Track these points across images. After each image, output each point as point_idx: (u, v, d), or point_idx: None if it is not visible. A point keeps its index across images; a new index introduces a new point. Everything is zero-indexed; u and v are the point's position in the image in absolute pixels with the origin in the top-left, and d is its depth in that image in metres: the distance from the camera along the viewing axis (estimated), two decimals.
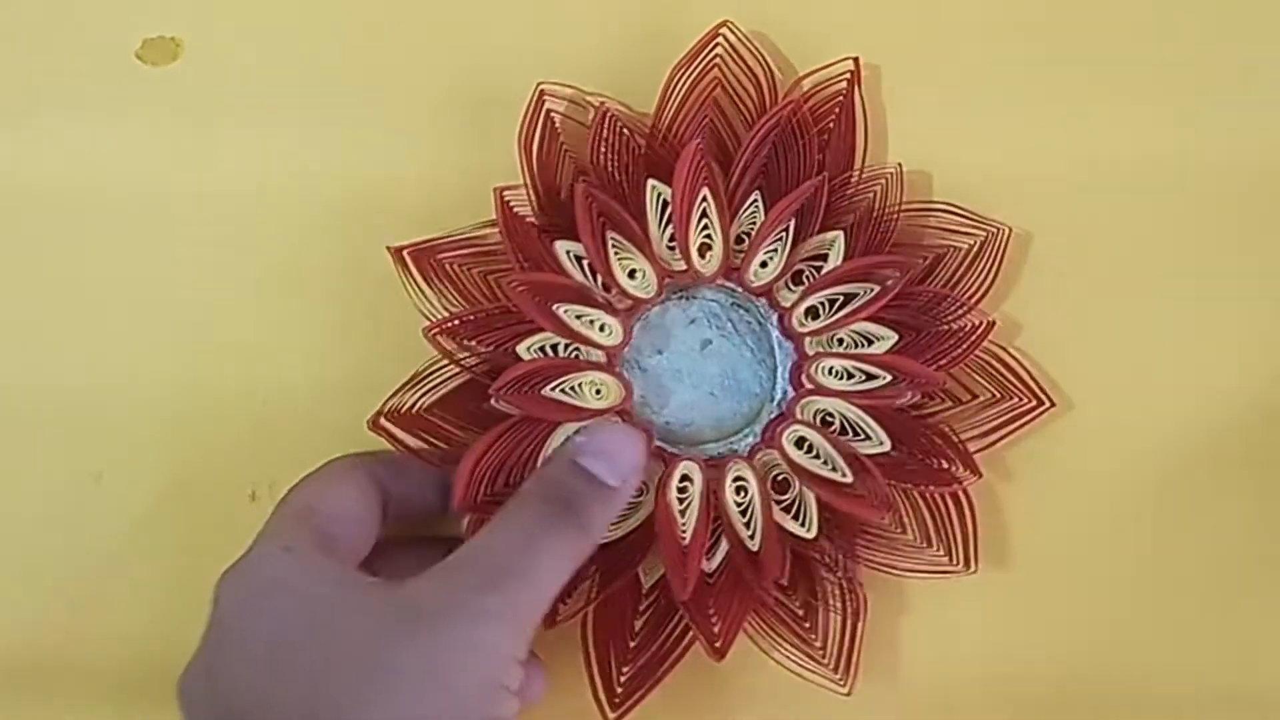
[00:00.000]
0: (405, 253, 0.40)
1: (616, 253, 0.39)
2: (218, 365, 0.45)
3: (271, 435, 0.45)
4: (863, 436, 0.39)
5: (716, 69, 0.41)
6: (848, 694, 0.39)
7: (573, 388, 0.38)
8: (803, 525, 0.38)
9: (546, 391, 0.38)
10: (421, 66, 0.45)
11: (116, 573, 0.45)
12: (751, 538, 0.38)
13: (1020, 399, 0.40)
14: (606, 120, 0.40)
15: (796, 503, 0.38)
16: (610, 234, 0.39)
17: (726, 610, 0.38)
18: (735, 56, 0.41)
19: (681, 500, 0.38)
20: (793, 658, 0.39)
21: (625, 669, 0.38)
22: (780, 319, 0.40)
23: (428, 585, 0.32)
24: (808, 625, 0.39)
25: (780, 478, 0.39)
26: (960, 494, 0.39)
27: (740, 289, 0.40)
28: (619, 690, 0.38)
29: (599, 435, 0.37)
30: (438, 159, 0.45)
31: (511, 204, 0.40)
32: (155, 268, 0.45)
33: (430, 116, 0.45)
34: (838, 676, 0.39)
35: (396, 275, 0.41)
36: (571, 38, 0.44)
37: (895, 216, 0.40)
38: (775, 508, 0.38)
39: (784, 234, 0.39)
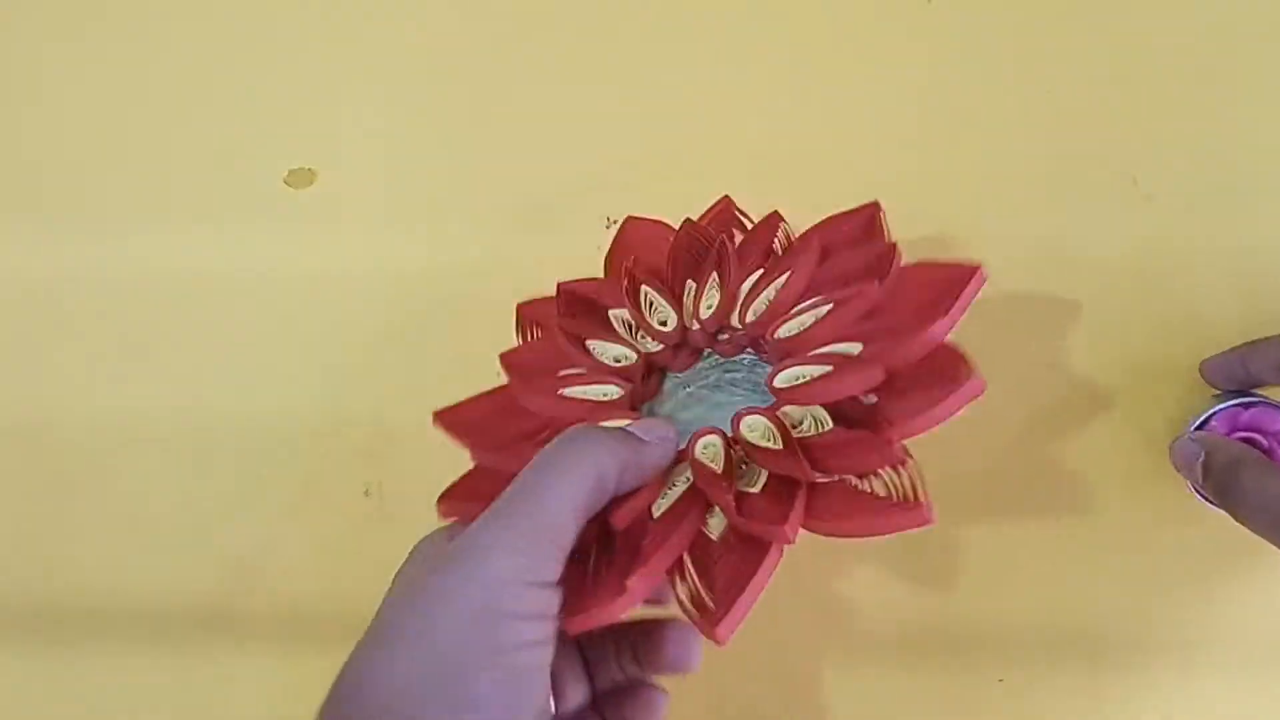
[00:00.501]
0: (519, 307, 0.47)
1: (598, 351, 0.44)
2: (339, 400, 0.52)
3: (380, 448, 0.51)
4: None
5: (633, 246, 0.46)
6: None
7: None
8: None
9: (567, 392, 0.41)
10: (497, 186, 0.53)
11: (267, 552, 0.51)
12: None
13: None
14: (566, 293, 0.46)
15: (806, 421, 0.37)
16: (590, 343, 0.44)
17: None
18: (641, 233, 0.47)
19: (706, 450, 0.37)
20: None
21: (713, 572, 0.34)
22: (767, 355, 0.42)
23: (458, 533, 0.31)
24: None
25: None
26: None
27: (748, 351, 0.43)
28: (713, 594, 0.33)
29: (643, 422, 0.36)
30: (509, 255, 0.52)
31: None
32: (296, 333, 0.52)
33: (501, 224, 0.52)
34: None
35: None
36: (621, 171, 0.52)
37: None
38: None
39: (716, 283, 0.43)
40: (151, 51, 0.57)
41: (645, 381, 0.44)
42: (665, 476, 0.37)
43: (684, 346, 0.44)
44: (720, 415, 0.41)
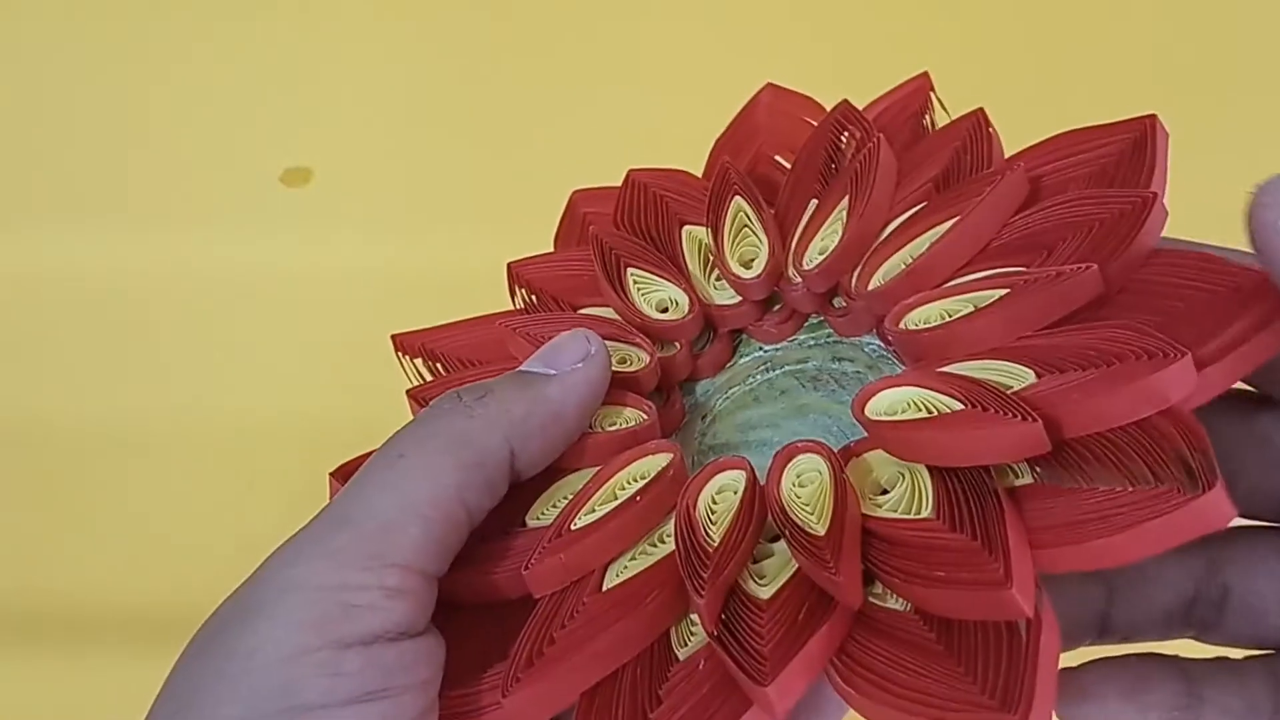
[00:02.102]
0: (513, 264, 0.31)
1: (640, 289, 0.28)
2: (338, 398, 0.50)
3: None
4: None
5: (766, 131, 0.31)
6: None
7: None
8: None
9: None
10: (496, 185, 0.53)
11: (265, 552, 0.50)
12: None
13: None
14: (634, 185, 0.31)
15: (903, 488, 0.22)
16: (632, 271, 0.28)
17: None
18: (782, 113, 0.31)
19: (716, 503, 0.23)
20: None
21: None
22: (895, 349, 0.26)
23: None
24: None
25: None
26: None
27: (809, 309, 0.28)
28: None
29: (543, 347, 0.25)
30: (508, 253, 0.52)
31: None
32: (293, 331, 0.52)
33: (501, 223, 0.49)
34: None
35: None
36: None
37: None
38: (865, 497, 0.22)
39: (844, 214, 0.27)
40: (149, 51, 0.59)
41: (702, 346, 0.29)
42: (647, 525, 0.23)
43: (776, 306, 0.29)
44: (795, 428, 0.27)
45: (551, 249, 0.32)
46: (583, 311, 0.29)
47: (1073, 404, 0.20)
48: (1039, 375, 0.21)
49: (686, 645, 0.21)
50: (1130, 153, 0.24)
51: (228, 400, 0.52)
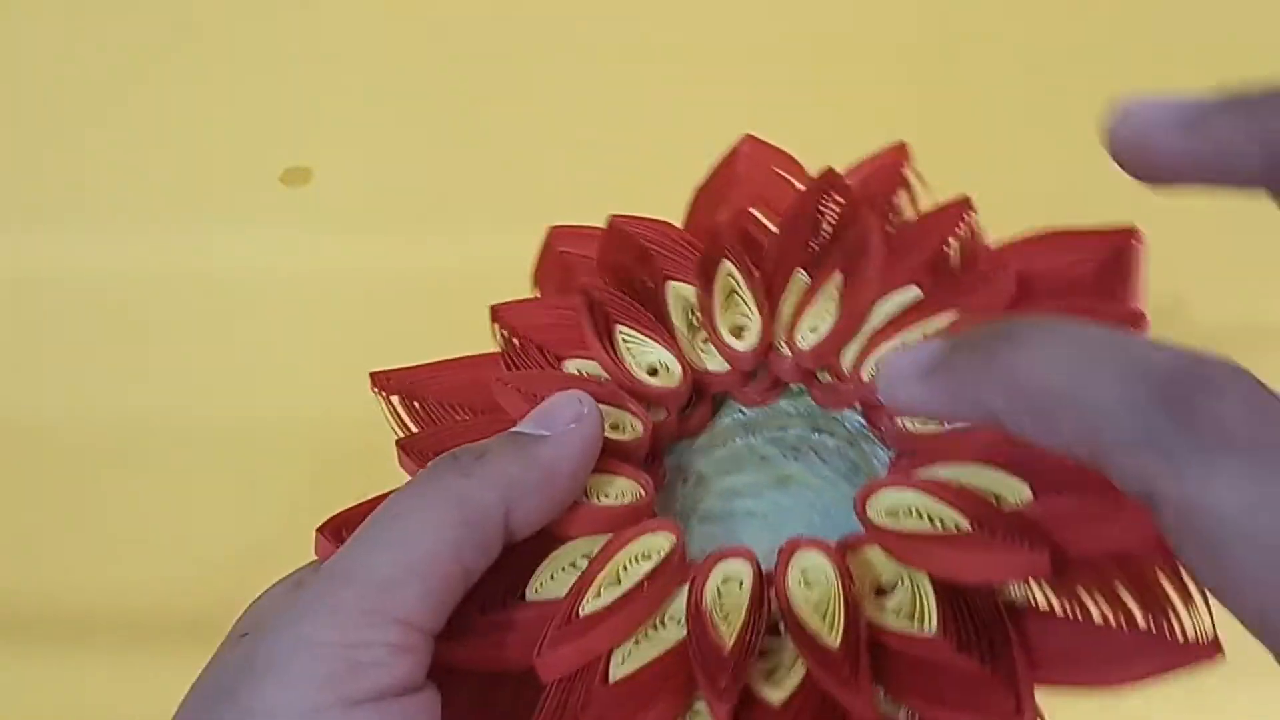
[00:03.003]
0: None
1: (630, 349, 0.28)
2: (338, 399, 0.49)
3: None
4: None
5: (744, 182, 0.31)
6: None
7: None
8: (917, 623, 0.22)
9: None
10: (496, 185, 0.52)
11: (264, 553, 0.50)
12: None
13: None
14: (618, 233, 0.31)
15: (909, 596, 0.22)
16: (620, 328, 0.28)
17: None
18: (760, 165, 0.31)
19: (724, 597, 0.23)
20: None
21: None
22: (880, 433, 0.27)
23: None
24: None
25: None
26: None
27: (799, 385, 0.29)
28: None
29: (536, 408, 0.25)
30: (509, 254, 0.51)
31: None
32: (293, 331, 0.52)
33: (501, 223, 0.51)
34: None
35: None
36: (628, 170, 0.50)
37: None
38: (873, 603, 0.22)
39: (836, 292, 0.27)
40: (148, 50, 0.59)
41: (685, 411, 0.28)
42: (651, 610, 0.23)
43: (760, 373, 0.29)
44: (778, 500, 0.28)
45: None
46: (569, 365, 0.29)
47: (1075, 529, 0.21)
48: (1034, 491, 0.22)
49: None
50: (1111, 262, 0.25)
51: (228, 400, 0.51)
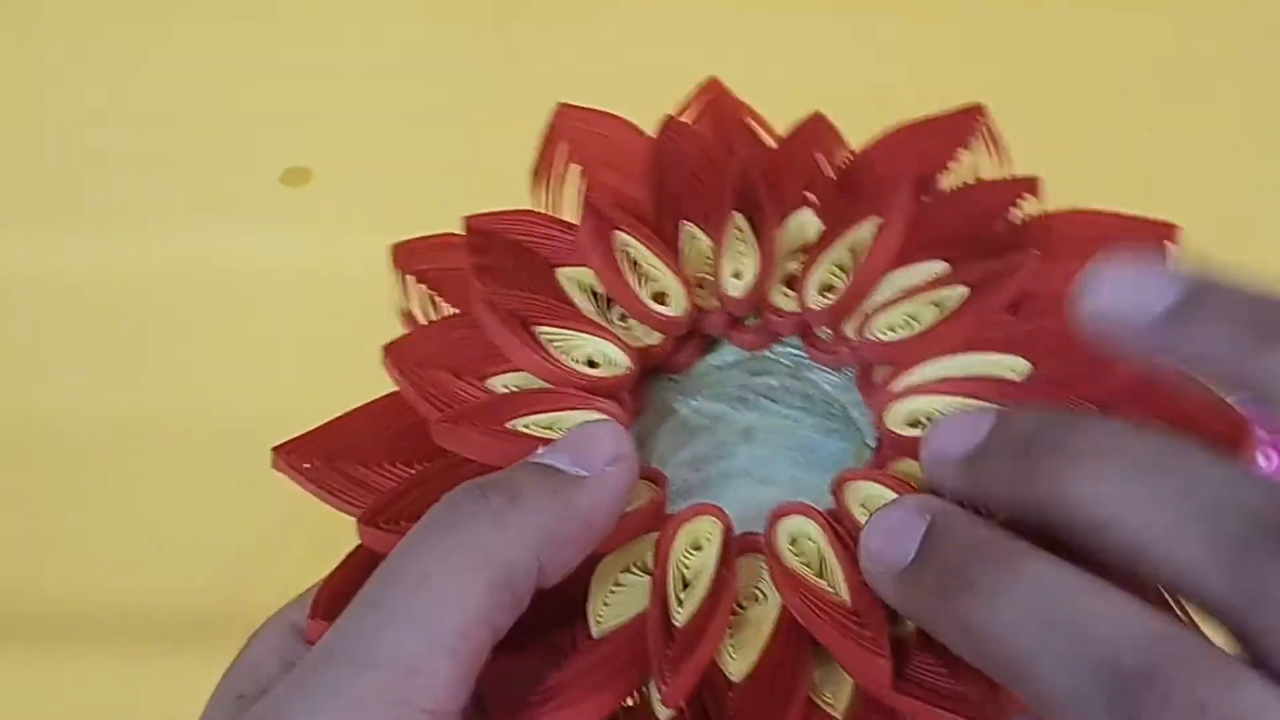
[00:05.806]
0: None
1: (559, 347, 0.26)
2: (338, 399, 0.51)
3: None
4: None
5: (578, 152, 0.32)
6: None
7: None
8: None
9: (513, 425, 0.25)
10: (497, 185, 0.54)
11: (265, 553, 0.50)
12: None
13: None
14: (484, 234, 0.30)
15: None
16: (540, 330, 0.27)
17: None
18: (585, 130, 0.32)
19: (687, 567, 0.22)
20: None
21: None
22: (829, 355, 0.27)
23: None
24: None
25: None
26: None
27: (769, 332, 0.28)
28: None
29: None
30: None
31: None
32: (293, 331, 0.52)
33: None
34: None
35: None
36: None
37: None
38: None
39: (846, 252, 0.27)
40: (147, 50, 0.60)
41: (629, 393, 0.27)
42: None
43: (691, 336, 0.28)
44: (755, 453, 0.26)
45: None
46: (493, 382, 0.27)
47: (1092, 381, 0.22)
48: (1033, 364, 0.23)
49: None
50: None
51: (228, 400, 0.52)
